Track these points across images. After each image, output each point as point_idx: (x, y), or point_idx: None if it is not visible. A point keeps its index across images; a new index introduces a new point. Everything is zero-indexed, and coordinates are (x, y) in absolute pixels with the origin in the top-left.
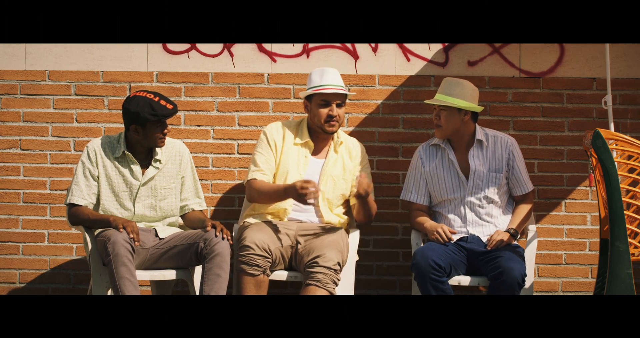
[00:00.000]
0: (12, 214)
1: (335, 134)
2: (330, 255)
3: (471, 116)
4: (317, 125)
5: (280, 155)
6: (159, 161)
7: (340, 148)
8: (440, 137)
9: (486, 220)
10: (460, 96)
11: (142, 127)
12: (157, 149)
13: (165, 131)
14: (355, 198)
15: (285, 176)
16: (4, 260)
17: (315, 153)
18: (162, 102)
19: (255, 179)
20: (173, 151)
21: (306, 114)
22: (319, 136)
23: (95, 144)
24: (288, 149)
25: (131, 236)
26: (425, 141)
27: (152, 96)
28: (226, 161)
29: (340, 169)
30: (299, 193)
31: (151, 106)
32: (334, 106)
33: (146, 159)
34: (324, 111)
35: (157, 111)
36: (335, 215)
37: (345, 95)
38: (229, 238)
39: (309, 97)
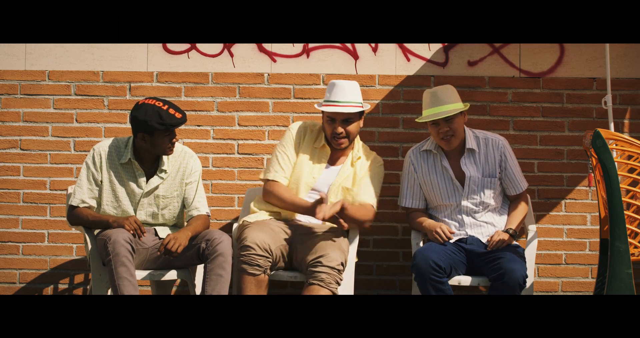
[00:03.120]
0: (12, 214)
1: (356, 148)
2: (334, 255)
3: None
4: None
5: (297, 155)
6: (165, 171)
7: (358, 162)
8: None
9: (483, 221)
10: (455, 99)
11: (150, 135)
12: (164, 159)
13: (174, 140)
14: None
15: (298, 177)
16: (4, 260)
17: (331, 160)
18: (171, 110)
19: (276, 181)
20: (179, 159)
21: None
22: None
23: (102, 147)
24: (306, 151)
25: (131, 232)
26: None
27: (161, 104)
28: (226, 161)
29: (351, 183)
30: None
31: (159, 115)
32: (338, 123)
33: (152, 167)
34: (329, 128)
35: (166, 120)
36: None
37: (352, 112)
38: (177, 252)
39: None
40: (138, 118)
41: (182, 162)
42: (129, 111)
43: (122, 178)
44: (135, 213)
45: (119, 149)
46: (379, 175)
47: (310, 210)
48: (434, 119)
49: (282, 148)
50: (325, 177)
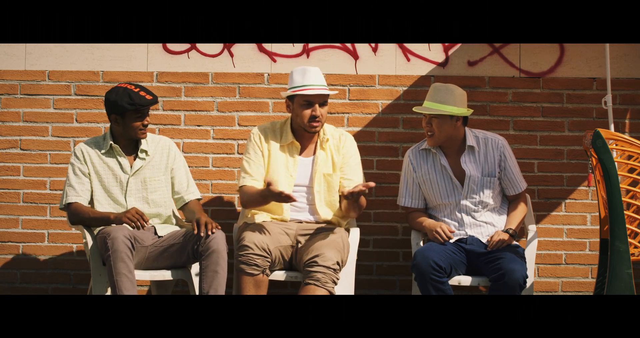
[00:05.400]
0: (12, 214)
1: (321, 131)
2: (329, 255)
3: (462, 120)
4: (300, 125)
5: (269, 159)
6: (145, 151)
7: (327, 145)
8: (433, 145)
9: (483, 221)
10: (451, 102)
11: (122, 117)
12: (143, 142)
13: (145, 121)
14: (345, 199)
15: (276, 180)
16: (4, 260)
17: (302, 152)
18: (142, 93)
19: (245, 185)
20: (160, 145)
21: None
22: (304, 134)
23: (81, 145)
24: (275, 152)
25: (132, 225)
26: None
27: (133, 87)
28: (226, 161)
29: (331, 167)
30: (280, 196)
31: (130, 96)
32: (316, 106)
33: (133, 152)
34: (307, 112)
35: (135, 100)
36: (331, 211)
37: (328, 94)
38: (219, 228)
39: (290, 97)
40: (110, 100)
41: (159, 144)
42: None
43: (106, 166)
44: (125, 199)
45: (97, 143)
46: (358, 156)
47: (270, 195)
48: (420, 111)
49: (247, 155)
50: (302, 170)
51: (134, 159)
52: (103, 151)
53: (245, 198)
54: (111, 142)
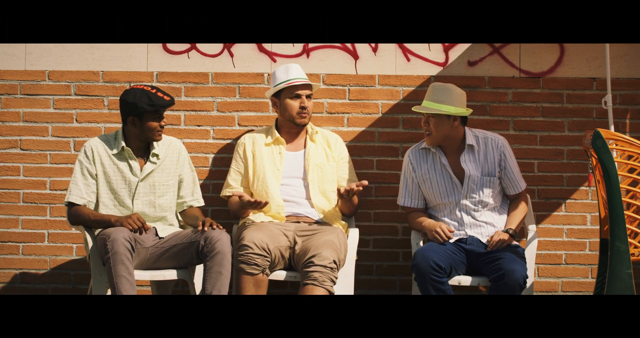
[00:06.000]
0: (12, 214)
1: (309, 126)
2: (326, 254)
3: (460, 120)
4: (288, 119)
5: (254, 159)
6: (157, 155)
7: (317, 137)
8: (431, 144)
9: (483, 221)
10: (448, 102)
11: (140, 118)
12: (155, 145)
13: (162, 123)
14: (339, 198)
15: (263, 174)
16: (4, 260)
17: (291, 147)
18: (160, 94)
19: (228, 196)
20: (170, 147)
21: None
22: (290, 131)
23: (93, 142)
24: (260, 151)
25: (135, 227)
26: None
27: (149, 88)
28: (226, 161)
29: (324, 157)
30: (252, 204)
31: (149, 97)
32: (304, 98)
33: (144, 155)
34: (295, 104)
35: (154, 101)
36: (326, 200)
37: (312, 85)
38: (223, 230)
39: (277, 95)
40: (127, 101)
41: (170, 146)
42: None
43: (116, 168)
44: (132, 202)
45: (108, 142)
46: (349, 155)
47: (245, 205)
48: (418, 111)
49: (231, 166)
50: (292, 163)
51: (145, 163)
52: (114, 152)
53: (230, 208)
54: (123, 144)
